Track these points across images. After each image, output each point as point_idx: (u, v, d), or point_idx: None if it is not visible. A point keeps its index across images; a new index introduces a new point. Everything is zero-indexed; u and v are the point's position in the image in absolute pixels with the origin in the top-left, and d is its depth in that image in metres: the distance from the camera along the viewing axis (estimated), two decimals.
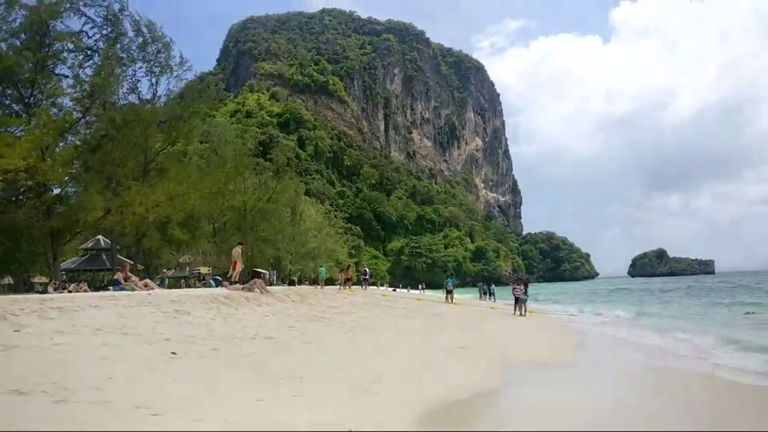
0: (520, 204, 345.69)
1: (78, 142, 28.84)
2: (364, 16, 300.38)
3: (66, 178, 24.91)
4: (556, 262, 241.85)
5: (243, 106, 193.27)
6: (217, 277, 22.42)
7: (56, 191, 26.96)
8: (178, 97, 33.28)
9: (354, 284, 38.77)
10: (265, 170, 53.70)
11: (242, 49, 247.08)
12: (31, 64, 26.52)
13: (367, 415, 4.54)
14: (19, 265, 32.96)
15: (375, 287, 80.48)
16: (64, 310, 7.61)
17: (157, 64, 31.25)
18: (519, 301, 22.84)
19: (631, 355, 10.28)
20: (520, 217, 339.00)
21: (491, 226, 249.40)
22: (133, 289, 12.58)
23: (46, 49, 26.95)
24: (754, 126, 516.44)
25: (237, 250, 17.20)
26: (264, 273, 54.36)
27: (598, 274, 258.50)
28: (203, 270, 42.29)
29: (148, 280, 14.41)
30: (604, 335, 14.61)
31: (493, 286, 46.93)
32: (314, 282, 49.20)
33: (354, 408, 4.74)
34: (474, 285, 52.53)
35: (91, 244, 40.89)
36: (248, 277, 46.14)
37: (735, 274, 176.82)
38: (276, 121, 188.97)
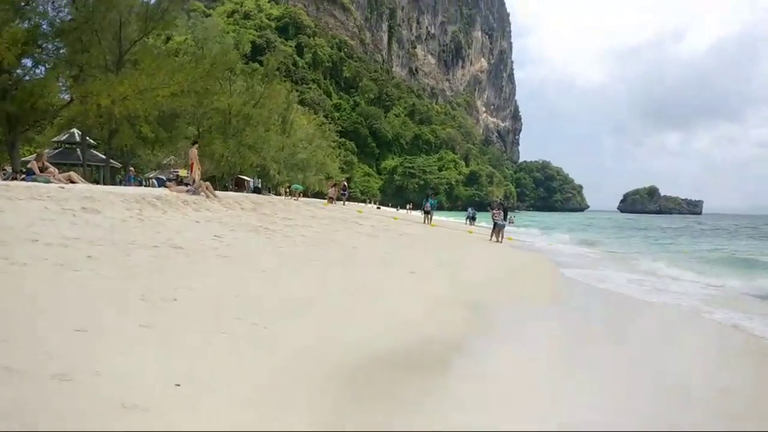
0: (520, 131, 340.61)
1: (39, 23, 26.29)
2: None
3: (20, 60, 22.63)
4: (549, 192, 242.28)
5: (241, 6, 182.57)
6: (161, 177, 20.84)
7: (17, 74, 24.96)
8: None
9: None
10: (256, 74, 50.62)
11: None
12: None
13: (236, 369, 3.28)
14: None
15: (364, 204, 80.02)
16: None
17: None
18: (497, 227, 21.87)
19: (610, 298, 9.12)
20: (518, 144, 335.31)
21: (488, 152, 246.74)
22: (48, 181, 11.15)
23: None
24: (765, 66, 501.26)
25: (193, 151, 15.62)
26: (248, 181, 53.25)
27: (588, 207, 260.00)
28: (182, 172, 40.72)
29: (72, 173, 12.89)
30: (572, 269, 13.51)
31: (473, 210, 46.47)
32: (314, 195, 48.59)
33: (219, 355, 3.47)
34: (465, 209, 51.87)
35: (64, 137, 39.07)
36: (233, 183, 45.09)
37: (721, 216, 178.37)
38: (274, 24, 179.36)
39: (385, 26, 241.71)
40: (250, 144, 42.43)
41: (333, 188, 36.87)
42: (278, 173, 56.82)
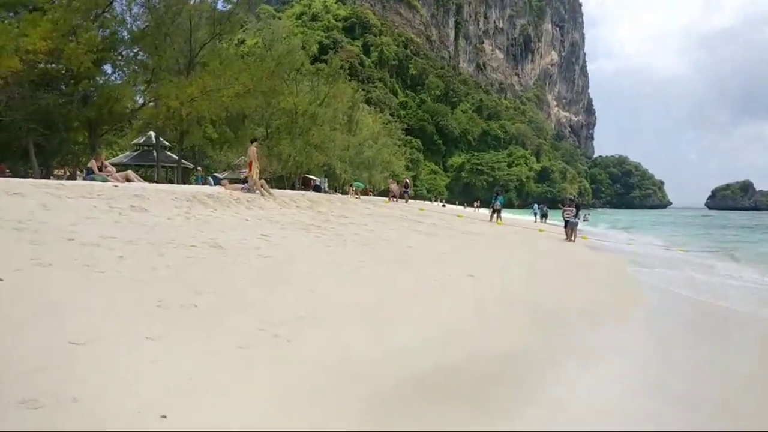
0: (594, 125, 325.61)
1: (117, 31, 27.68)
2: None
3: (100, 66, 23.80)
4: (626, 188, 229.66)
5: (309, 8, 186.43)
6: (216, 175, 21.01)
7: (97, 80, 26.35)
8: None
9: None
10: (321, 74, 51.09)
11: None
12: None
13: (237, 400, 2.77)
14: (71, 156, 33.10)
15: (429, 202, 79.07)
16: None
17: None
18: (569, 225, 20.48)
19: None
20: (592, 139, 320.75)
21: (560, 147, 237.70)
22: (105, 180, 11.31)
23: None
24: None
25: (252, 150, 15.56)
26: (315, 180, 54.03)
27: (671, 204, 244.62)
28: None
29: (130, 172, 13.09)
30: (658, 273, 12.11)
31: (545, 207, 44.14)
32: (381, 194, 48.44)
33: (221, 380, 2.96)
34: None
35: (142, 140, 41.06)
36: (299, 183, 45.84)
37: None
38: (341, 25, 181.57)
39: (451, 22, 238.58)
40: (316, 143, 42.78)
41: (394, 185, 36.08)
42: (344, 172, 57.17)
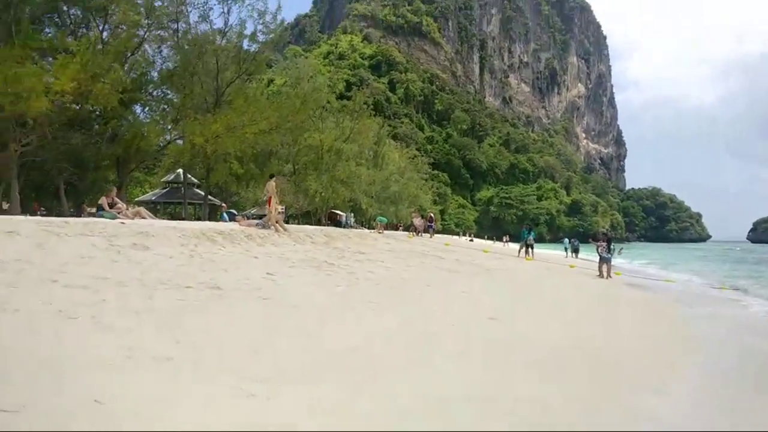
0: (624, 156, 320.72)
1: (147, 71, 28.41)
2: None
3: (123, 105, 24.29)
4: (661, 221, 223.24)
5: (335, 48, 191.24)
6: (232, 211, 20.76)
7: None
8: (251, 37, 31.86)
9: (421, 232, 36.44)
10: (346, 110, 51.60)
11: None
12: None
13: None
14: (101, 194, 33.65)
15: (457, 237, 77.88)
16: None
17: None
18: (602, 260, 19.41)
19: None
20: (623, 171, 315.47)
21: (590, 179, 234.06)
22: (114, 217, 11.06)
23: None
24: None
25: (271, 185, 15.28)
26: (341, 215, 53.86)
27: (710, 237, 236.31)
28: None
29: (141, 209, 12.84)
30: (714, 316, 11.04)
31: (577, 242, 42.64)
32: (407, 228, 47.61)
33: None
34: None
35: (171, 177, 41.69)
36: (326, 218, 45.70)
37: None
38: (367, 63, 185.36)
39: (476, 57, 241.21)
40: (341, 179, 42.78)
41: (418, 219, 34.65)
42: (370, 207, 56.99)
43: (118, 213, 11.54)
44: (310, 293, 6.61)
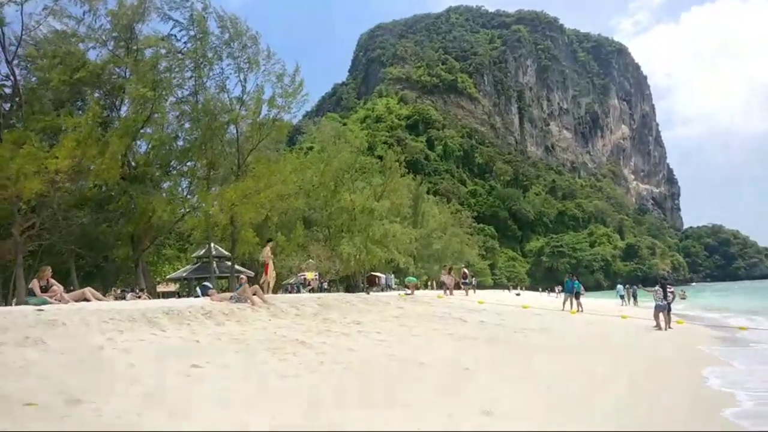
0: (678, 195, 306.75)
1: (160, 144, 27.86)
2: (492, 9, 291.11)
3: (130, 180, 23.53)
4: (727, 259, 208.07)
5: (372, 111, 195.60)
6: (206, 284, 18.92)
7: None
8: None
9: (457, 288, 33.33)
10: (374, 168, 50.42)
11: (371, 56, 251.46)
12: (119, 70, 26.11)
13: None
14: (115, 275, 32.24)
15: (508, 291, 73.70)
16: None
17: (244, 60, 29.52)
18: (658, 309, 16.38)
19: None
20: (679, 210, 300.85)
21: (644, 221, 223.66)
22: (44, 302, 9.27)
23: (135, 55, 26.20)
24: None
25: (266, 250, 13.50)
26: (381, 277, 51.23)
27: None
28: (309, 275, 40.00)
29: (87, 290, 10.82)
30: None
31: (635, 288, 38.47)
32: (440, 286, 44.76)
33: None
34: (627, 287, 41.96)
35: (202, 252, 40.90)
36: (365, 282, 43.43)
37: None
38: (404, 123, 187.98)
39: (514, 108, 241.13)
40: (376, 239, 40.93)
41: (447, 277, 30.96)
42: (410, 266, 54.53)
43: (52, 296, 9.85)
44: (221, 399, 4.44)
